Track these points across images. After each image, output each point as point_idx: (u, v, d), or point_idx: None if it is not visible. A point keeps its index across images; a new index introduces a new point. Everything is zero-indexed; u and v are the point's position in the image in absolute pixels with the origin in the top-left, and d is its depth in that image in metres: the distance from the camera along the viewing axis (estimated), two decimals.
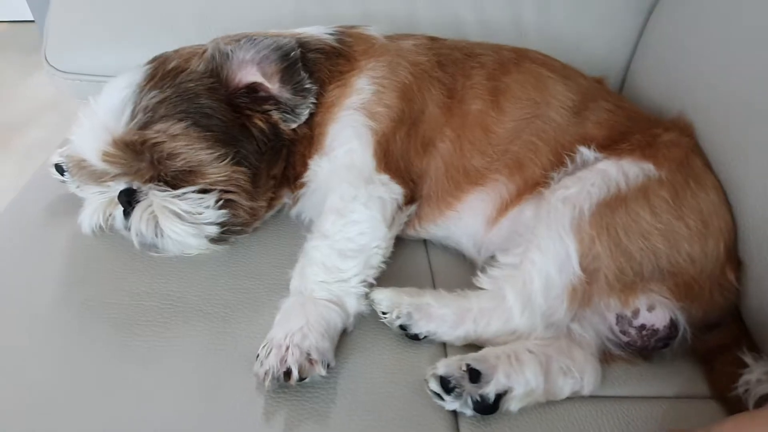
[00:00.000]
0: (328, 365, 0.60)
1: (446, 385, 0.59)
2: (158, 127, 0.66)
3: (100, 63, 0.99)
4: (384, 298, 0.67)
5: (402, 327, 0.66)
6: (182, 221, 0.68)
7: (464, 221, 0.78)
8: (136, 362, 0.62)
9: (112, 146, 0.67)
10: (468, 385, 0.59)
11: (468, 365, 0.60)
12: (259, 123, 0.71)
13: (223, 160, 0.68)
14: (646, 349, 0.68)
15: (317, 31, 0.81)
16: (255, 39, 0.72)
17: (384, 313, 0.67)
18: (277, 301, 0.68)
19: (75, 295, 0.69)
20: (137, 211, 0.68)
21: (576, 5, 1.05)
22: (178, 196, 0.68)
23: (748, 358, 0.63)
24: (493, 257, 0.77)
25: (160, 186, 0.69)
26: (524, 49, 0.84)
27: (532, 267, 0.67)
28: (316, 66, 0.75)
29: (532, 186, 0.75)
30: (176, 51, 0.74)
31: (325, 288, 0.66)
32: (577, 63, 0.89)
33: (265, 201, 0.75)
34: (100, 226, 0.72)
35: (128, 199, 0.70)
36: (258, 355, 0.61)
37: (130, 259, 0.73)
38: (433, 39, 0.84)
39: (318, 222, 0.70)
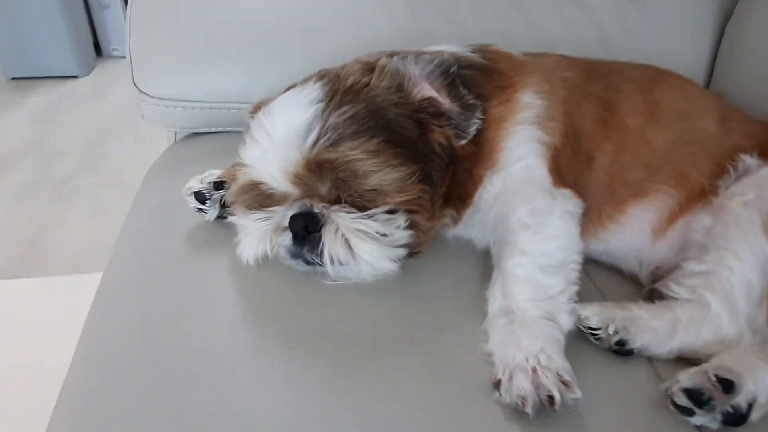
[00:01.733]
0: None
1: (697, 398, 0.57)
2: (350, 144, 0.62)
3: (196, 88, 0.93)
4: (593, 313, 0.64)
5: (619, 343, 0.63)
6: (376, 243, 0.63)
7: (627, 234, 0.77)
8: (360, 393, 0.56)
9: (302, 167, 0.62)
10: (721, 397, 0.57)
11: (717, 375, 0.58)
12: (440, 139, 0.68)
13: (412, 178, 0.65)
14: None
15: (457, 48, 0.80)
16: (418, 55, 0.70)
17: (594, 330, 0.64)
18: (473, 324, 0.64)
19: (271, 329, 0.63)
20: (328, 234, 0.63)
21: (652, 33, 1.09)
22: (369, 216, 0.64)
23: None
24: (658, 268, 0.76)
25: (346, 207, 0.64)
26: (655, 66, 0.86)
27: (731, 273, 0.66)
28: (473, 82, 0.73)
29: (697, 195, 0.75)
30: (342, 67, 0.71)
31: (537, 306, 0.62)
32: None
33: (437, 221, 0.72)
34: (266, 256, 0.67)
35: (305, 224, 0.64)
36: (498, 381, 0.56)
37: (308, 288, 0.67)
38: (568, 57, 0.85)
39: (509, 240, 0.67)
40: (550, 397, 0.53)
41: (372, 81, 0.67)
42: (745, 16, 1.09)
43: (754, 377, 0.59)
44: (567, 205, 0.69)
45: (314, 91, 0.65)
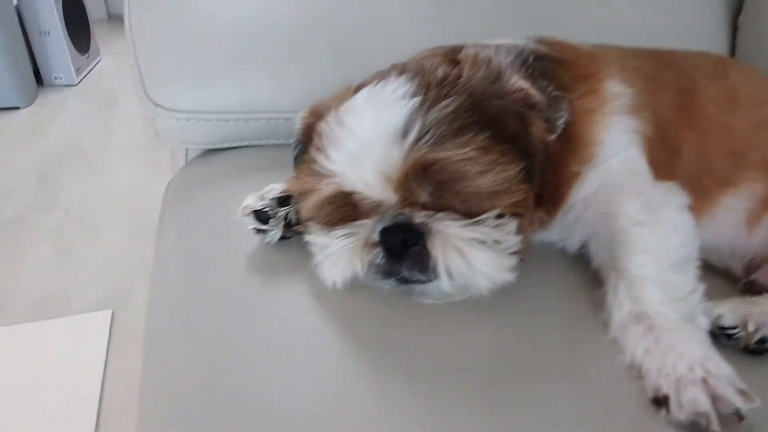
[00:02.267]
0: None
1: None
2: (456, 142, 0.54)
3: (219, 98, 0.83)
4: (728, 311, 0.59)
5: (761, 341, 0.58)
6: (492, 251, 0.55)
7: (720, 225, 0.72)
8: (505, 423, 0.48)
9: (403, 170, 0.54)
10: None
11: None
12: (540, 133, 0.61)
13: (518, 178, 0.57)
14: None
15: (519, 41, 0.74)
16: (496, 46, 0.64)
17: (728, 329, 0.58)
18: (592, 334, 0.57)
19: (377, 363, 0.53)
20: (437, 246, 0.54)
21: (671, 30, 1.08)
22: (480, 223, 0.56)
23: None
24: (753, 260, 0.72)
25: (450, 215, 0.56)
26: (708, 52, 0.83)
27: None
28: (550, 73, 0.67)
29: None
30: (418, 60, 0.63)
31: (674, 308, 0.56)
32: None
33: (534, 225, 0.64)
34: (355, 277, 0.57)
35: (403, 237, 0.56)
36: (665, 397, 0.49)
37: (406, 311, 0.58)
38: (624, 48, 0.81)
39: (624, 239, 0.61)
40: (737, 411, 0.47)
41: (465, 72, 0.59)
42: (755, 8, 1.10)
43: None
44: (681, 197, 0.63)
45: (402, 85, 0.57)
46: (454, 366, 0.53)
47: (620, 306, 0.57)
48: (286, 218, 0.64)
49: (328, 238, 0.58)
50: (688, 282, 0.58)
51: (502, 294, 0.60)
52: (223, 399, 0.49)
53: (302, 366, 0.52)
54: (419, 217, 0.56)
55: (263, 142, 0.87)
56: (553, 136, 0.64)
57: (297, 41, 0.86)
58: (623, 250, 0.60)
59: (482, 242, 0.55)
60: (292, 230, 0.64)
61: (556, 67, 0.69)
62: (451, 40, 0.92)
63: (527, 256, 0.63)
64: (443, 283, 0.55)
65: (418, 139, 0.54)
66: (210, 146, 0.86)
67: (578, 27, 1.02)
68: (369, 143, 0.55)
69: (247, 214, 0.64)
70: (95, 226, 2.02)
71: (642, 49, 0.81)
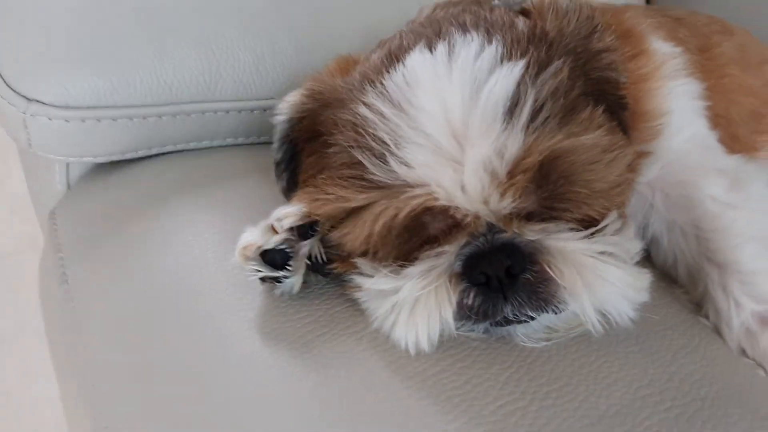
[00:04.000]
0: None
1: None
2: (580, 119, 0.39)
3: (130, 84, 0.56)
4: None
5: None
6: (626, 265, 0.42)
7: None
8: None
9: (527, 165, 0.37)
10: None
11: None
12: (631, 100, 0.48)
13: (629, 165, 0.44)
14: None
15: None
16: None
17: None
18: (706, 343, 0.47)
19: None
20: (569, 273, 0.39)
21: None
22: (602, 231, 0.41)
23: None
24: None
25: (566, 226, 0.41)
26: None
27: None
28: None
29: None
30: (468, 10, 0.45)
31: None
32: None
33: None
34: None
35: (509, 264, 0.39)
36: None
37: (509, 363, 0.41)
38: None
39: (718, 227, 0.51)
40: None
41: (550, 25, 0.43)
42: None
43: None
44: (757, 169, 0.55)
45: (486, 45, 0.40)
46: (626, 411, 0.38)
47: (739, 307, 0.48)
48: (308, 258, 0.43)
49: (397, 279, 0.39)
50: None
51: None
52: None
53: None
54: (532, 233, 0.39)
55: (192, 145, 0.63)
56: None
57: (238, 8, 0.62)
58: (723, 240, 0.51)
59: (613, 255, 0.41)
60: (319, 272, 0.43)
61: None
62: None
63: None
64: (587, 312, 0.39)
65: (534, 119, 0.37)
66: (114, 158, 0.59)
67: None
68: (467, 134, 0.37)
69: (254, 259, 0.41)
70: None
71: (643, 6, 0.72)
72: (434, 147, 0.37)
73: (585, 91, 0.42)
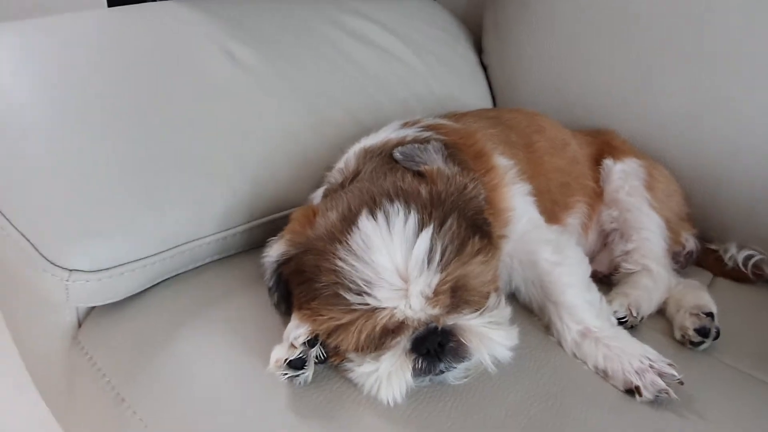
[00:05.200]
0: None
1: (704, 332, 0.84)
2: (467, 251, 0.66)
3: (141, 241, 0.75)
4: (617, 305, 0.85)
5: (642, 319, 0.86)
6: (503, 327, 0.70)
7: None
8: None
9: (442, 288, 0.64)
10: (712, 324, 0.85)
11: (704, 312, 0.85)
12: (489, 216, 0.77)
13: (498, 261, 0.73)
14: None
15: (410, 131, 0.88)
16: (422, 146, 0.77)
17: (622, 318, 0.85)
18: (551, 354, 0.78)
19: None
20: (470, 339, 0.66)
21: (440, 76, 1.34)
22: (488, 310, 0.69)
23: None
24: (589, 255, 1.03)
25: (463, 310, 0.68)
26: (517, 108, 1.11)
27: (649, 241, 0.97)
28: (457, 159, 0.83)
29: (595, 196, 1.04)
30: (391, 182, 0.70)
31: (601, 318, 0.79)
32: None
33: None
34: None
35: (439, 340, 0.66)
36: (637, 387, 0.72)
37: (460, 398, 0.68)
38: (470, 114, 1.02)
39: (552, 279, 0.81)
40: (679, 381, 0.72)
41: (441, 188, 0.70)
42: (493, 52, 1.44)
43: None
44: (568, 236, 0.87)
45: (406, 214, 0.65)
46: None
47: (569, 329, 0.79)
48: (316, 357, 0.67)
49: (376, 363, 0.64)
50: (597, 295, 0.83)
51: None
52: None
53: None
54: (449, 320, 0.66)
55: (182, 270, 0.82)
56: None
57: (199, 161, 0.83)
58: (554, 287, 0.81)
59: (497, 323, 0.69)
60: (319, 366, 0.67)
61: (457, 152, 0.85)
62: (313, 115, 1.01)
63: None
64: (485, 361, 0.67)
65: (442, 260, 0.64)
66: (129, 294, 0.77)
67: (392, 83, 1.20)
68: (408, 276, 0.62)
69: (281, 367, 0.64)
70: None
71: (483, 115, 1.03)
72: (391, 287, 0.62)
73: (467, 227, 0.68)
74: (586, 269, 0.85)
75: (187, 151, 0.82)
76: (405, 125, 0.91)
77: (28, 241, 0.69)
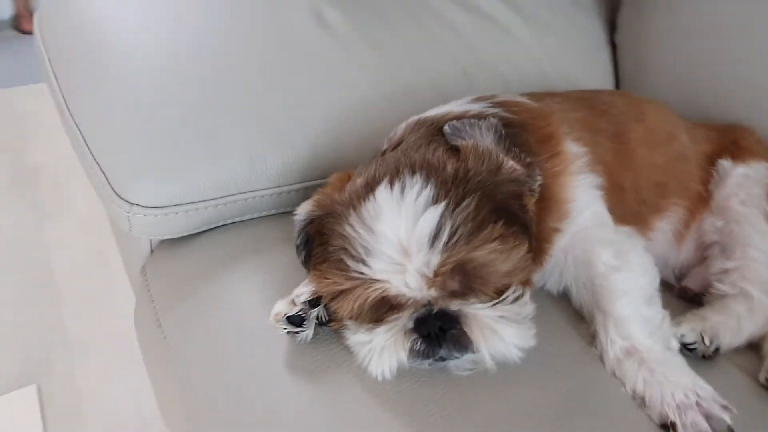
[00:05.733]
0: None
1: None
2: (482, 236, 0.61)
3: (194, 185, 0.81)
4: (688, 330, 0.73)
5: (717, 350, 0.73)
6: (517, 324, 0.64)
7: (656, 245, 0.87)
8: None
9: (443, 271, 0.60)
10: None
11: None
12: (530, 205, 0.70)
13: (526, 253, 0.66)
14: None
15: (475, 106, 0.82)
16: (474, 123, 0.71)
17: (689, 344, 0.73)
18: (594, 369, 0.69)
19: None
20: (474, 329, 0.62)
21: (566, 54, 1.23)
22: (503, 301, 0.64)
23: None
24: (682, 269, 0.89)
25: (477, 299, 0.63)
26: (625, 91, 0.98)
27: (757, 264, 0.81)
28: (518, 141, 0.76)
29: (699, 201, 0.89)
30: (420, 155, 0.68)
31: (656, 339, 0.69)
32: None
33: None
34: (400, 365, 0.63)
35: (440, 324, 0.62)
36: (673, 423, 0.61)
37: (448, 388, 0.65)
38: (560, 95, 0.92)
39: (605, 284, 0.72)
40: (729, 427, 0.60)
41: (471, 165, 0.66)
42: (628, 27, 1.28)
43: None
44: (639, 241, 0.77)
45: (422, 188, 0.62)
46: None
47: (612, 343, 0.69)
48: (317, 318, 0.67)
49: (370, 334, 0.63)
50: (659, 312, 0.71)
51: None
52: None
53: None
54: (454, 305, 0.62)
55: (237, 219, 0.88)
56: (534, 200, 0.74)
57: (263, 116, 0.86)
58: (606, 294, 0.72)
59: (510, 318, 0.63)
60: (323, 328, 0.68)
61: (521, 132, 0.78)
62: (401, 92, 0.99)
63: None
64: (484, 357, 0.62)
65: (449, 241, 0.60)
66: (186, 233, 0.84)
67: (492, 57, 1.13)
68: (409, 251, 0.60)
69: (281, 320, 0.66)
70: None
71: (575, 96, 0.93)
72: (389, 259, 0.60)
73: (490, 210, 0.63)
74: (651, 281, 0.73)
75: (253, 107, 0.86)
76: (476, 100, 0.85)
77: (103, 173, 0.78)
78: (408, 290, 0.61)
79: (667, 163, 0.89)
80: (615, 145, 0.86)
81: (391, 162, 0.68)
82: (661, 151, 0.89)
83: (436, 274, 0.60)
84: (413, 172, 0.65)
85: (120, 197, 0.77)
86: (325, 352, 0.67)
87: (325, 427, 0.61)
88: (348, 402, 0.63)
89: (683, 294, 0.87)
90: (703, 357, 0.74)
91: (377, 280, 0.61)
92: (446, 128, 0.74)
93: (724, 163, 0.90)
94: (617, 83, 1.27)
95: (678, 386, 0.64)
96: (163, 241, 0.89)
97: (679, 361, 0.67)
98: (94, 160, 0.79)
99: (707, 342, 0.73)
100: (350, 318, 0.64)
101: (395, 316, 0.63)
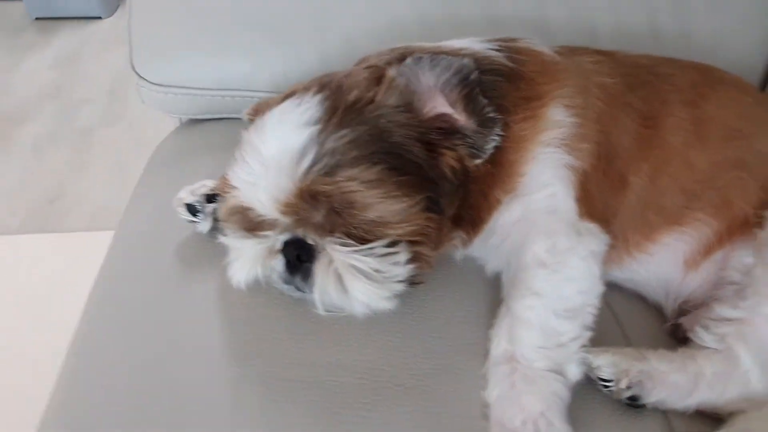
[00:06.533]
0: None
1: None
2: (348, 173, 0.56)
3: (198, 74, 0.87)
4: (606, 363, 0.59)
5: (632, 398, 0.58)
6: (371, 281, 0.58)
7: (657, 264, 0.69)
8: None
9: (293, 196, 0.57)
10: None
11: None
12: (451, 161, 0.61)
13: (417, 208, 0.58)
14: None
15: (478, 45, 0.71)
16: (432, 58, 0.62)
17: (606, 382, 0.59)
18: (470, 366, 0.60)
19: (253, 368, 0.59)
20: (319, 269, 0.58)
21: (714, 6, 0.96)
22: (365, 252, 0.58)
23: None
24: (685, 302, 0.70)
25: (341, 239, 0.59)
26: (707, 66, 0.76)
27: (766, 323, 0.60)
28: (495, 91, 0.65)
29: (740, 226, 0.67)
30: (347, 75, 0.63)
31: (546, 355, 0.57)
32: None
33: (445, 246, 0.66)
34: (258, 280, 0.63)
35: (297, 253, 0.60)
36: None
37: (296, 320, 0.63)
38: (607, 54, 0.75)
39: (521, 278, 0.61)
40: None
41: (377, 97, 0.59)
42: None
43: None
44: (592, 243, 0.62)
45: (312, 107, 0.59)
46: (317, 383, 0.58)
47: (498, 342, 0.60)
48: (214, 213, 0.69)
49: (239, 241, 0.63)
50: (574, 330, 0.59)
51: (398, 312, 0.63)
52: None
53: (180, 353, 0.61)
54: (311, 238, 0.59)
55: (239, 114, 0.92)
56: (478, 161, 0.64)
57: (277, 20, 0.87)
58: (519, 288, 0.61)
59: (362, 271, 0.57)
60: (220, 224, 0.70)
61: (505, 84, 0.66)
62: (444, 23, 0.91)
63: (439, 271, 0.67)
64: (317, 302, 0.59)
65: (310, 168, 0.56)
66: (191, 116, 0.92)
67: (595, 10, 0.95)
68: (266, 166, 0.57)
69: (180, 206, 0.70)
70: (150, 148, 2.20)
71: (627, 58, 0.74)
72: (249, 171, 0.58)
73: (375, 151, 0.56)
74: (582, 293, 0.60)
75: (269, 16, 0.86)
76: (490, 40, 0.74)
77: (130, 46, 0.88)
78: (261, 207, 0.59)
79: (712, 166, 0.68)
80: (641, 128, 0.68)
81: (316, 79, 0.65)
82: (709, 149, 0.68)
83: (288, 199, 0.57)
84: (317, 92, 0.61)
85: (134, 69, 0.87)
86: (213, 247, 0.69)
87: (169, 315, 0.65)
88: (198, 301, 0.67)
89: (674, 332, 0.69)
90: (629, 405, 0.59)
91: (236, 189, 0.60)
92: (408, 60, 0.66)
93: None
94: None
95: (524, 411, 0.53)
96: (181, 126, 0.97)
97: (552, 388, 0.55)
98: (129, 34, 0.89)
99: (623, 385, 0.58)
100: (224, 220, 0.65)
101: (266, 233, 0.62)
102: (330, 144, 0.56)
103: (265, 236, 0.62)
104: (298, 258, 0.60)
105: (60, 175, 2.02)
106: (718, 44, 0.96)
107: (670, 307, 0.71)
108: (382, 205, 0.57)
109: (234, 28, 0.86)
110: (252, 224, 0.63)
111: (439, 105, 0.61)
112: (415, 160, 0.59)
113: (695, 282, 0.69)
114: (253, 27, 0.86)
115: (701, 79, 0.73)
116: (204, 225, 0.70)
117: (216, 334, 0.63)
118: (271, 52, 0.86)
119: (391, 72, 0.61)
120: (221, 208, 0.64)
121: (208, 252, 0.69)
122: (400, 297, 0.61)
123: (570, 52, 0.74)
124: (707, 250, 0.68)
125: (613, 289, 0.72)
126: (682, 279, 0.69)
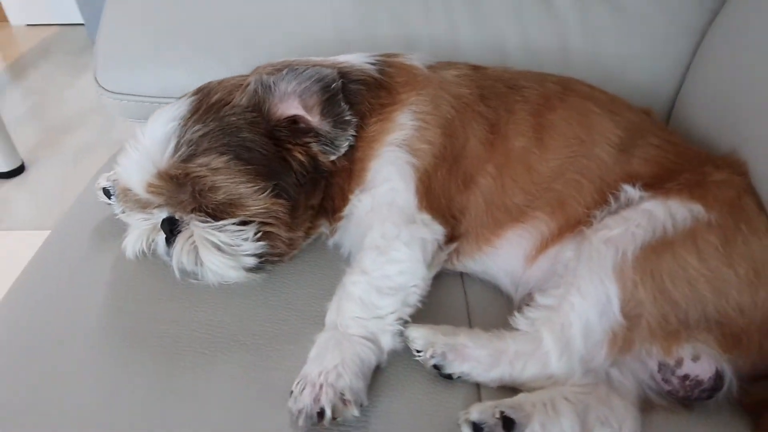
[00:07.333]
0: (361, 405, 0.60)
1: (479, 431, 0.59)
2: (201, 160, 0.68)
3: (145, 84, 1.02)
4: (419, 336, 0.67)
5: (435, 366, 0.66)
6: (222, 253, 0.69)
7: (502, 258, 0.76)
8: (175, 395, 0.63)
9: (156, 178, 0.69)
10: None
11: (502, 412, 0.59)
12: (299, 156, 0.72)
13: (263, 193, 0.69)
14: (688, 399, 0.66)
15: (358, 60, 0.81)
16: (297, 69, 0.73)
17: (418, 352, 0.67)
18: (313, 333, 0.68)
19: (116, 322, 0.71)
20: (179, 241, 0.70)
21: (623, 30, 1.02)
22: (218, 227, 0.69)
23: None
24: (529, 294, 0.76)
25: (201, 217, 0.70)
26: (570, 80, 0.83)
27: (571, 310, 0.65)
28: (357, 98, 0.75)
29: (573, 224, 0.73)
30: (220, 82, 0.76)
31: (361, 324, 0.66)
32: (623, 91, 0.87)
33: (303, 231, 0.76)
34: (143, 252, 0.75)
35: (171, 228, 0.72)
36: (292, 392, 0.61)
37: (170, 286, 0.74)
38: (475, 68, 0.83)
39: (358, 257, 0.71)
40: (320, 413, 0.58)
41: (234, 99, 0.71)
42: (731, 16, 0.99)
43: (544, 420, 0.59)
44: (420, 231, 0.70)
45: (182, 106, 0.71)
46: (161, 337, 0.69)
47: (330, 313, 0.69)
48: None
49: (131, 218, 0.76)
50: (392, 305, 0.67)
51: (261, 285, 0.74)
52: None
53: (65, 309, 0.74)
54: (179, 215, 0.71)
55: None
56: (332, 158, 0.74)
57: (210, 37, 1.01)
58: (352, 267, 0.70)
59: (214, 244, 0.69)
60: None
61: (366, 92, 0.77)
62: (362, 39, 1.02)
63: (310, 257, 0.79)
64: (175, 271, 0.70)
65: (172, 155, 0.68)
66: (137, 119, 1.06)
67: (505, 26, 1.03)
68: (139, 152, 0.70)
69: (99, 190, 0.84)
70: None
71: (489, 73, 0.82)
72: (128, 156, 0.71)
73: (223, 143, 0.68)
74: (403, 273, 0.69)
75: (205, 25, 1.01)
76: (371, 55, 0.84)
77: (95, 62, 1.04)
78: (134, 187, 0.71)
79: (550, 170, 0.74)
80: (488, 134, 0.76)
81: (202, 85, 0.77)
82: (549, 154, 0.75)
83: (155, 181, 0.69)
84: (193, 95, 0.73)
85: (96, 80, 1.03)
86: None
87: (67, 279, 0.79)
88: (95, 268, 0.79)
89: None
90: (441, 373, 0.66)
91: (118, 173, 0.73)
92: (283, 71, 0.78)
93: (629, 190, 0.71)
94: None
95: (322, 365, 0.62)
96: None
97: (356, 349, 0.63)
98: (96, 50, 1.05)
99: (428, 355, 0.65)
100: (118, 200, 0.77)
101: (152, 212, 0.75)
102: (188, 136, 0.68)
103: (148, 213, 0.74)
104: (172, 232, 0.72)
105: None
106: (628, 67, 1.02)
107: (517, 297, 0.77)
108: (227, 188, 0.68)
109: (177, 43, 1.01)
110: (138, 203, 0.75)
111: (293, 108, 0.72)
112: (261, 153, 0.70)
113: (535, 275, 0.75)
114: (192, 42, 1.01)
115: (556, 91, 0.79)
116: (117, 207, 0.83)
117: (98, 297, 0.75)
118: (205, 64, 1.00)
119: (250, 79, 0.73)
120: (116, 189, 0.77)
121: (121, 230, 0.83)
122: (269, 273, 0.74)
123: (441, 66, 0.83)
124: (544, 246, 0.74)
125: (473, 280, 0.81)
126: (524, 272, 0.76)
